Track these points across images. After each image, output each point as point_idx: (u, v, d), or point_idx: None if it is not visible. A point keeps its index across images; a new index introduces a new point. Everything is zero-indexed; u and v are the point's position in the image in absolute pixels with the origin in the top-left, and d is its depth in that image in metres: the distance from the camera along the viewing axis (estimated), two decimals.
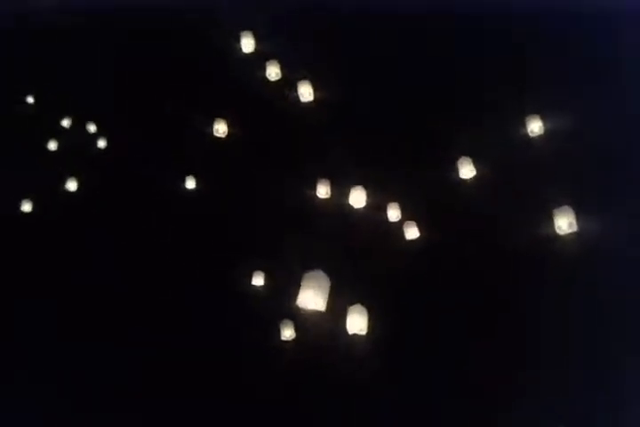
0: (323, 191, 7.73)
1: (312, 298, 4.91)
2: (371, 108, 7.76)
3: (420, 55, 7.76)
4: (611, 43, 7.02)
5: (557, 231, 7.02)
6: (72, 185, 8.13)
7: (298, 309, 5.27)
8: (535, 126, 7.62)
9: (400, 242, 7.49)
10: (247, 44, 6.95)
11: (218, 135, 7.37)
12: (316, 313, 5.09)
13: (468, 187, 7.69)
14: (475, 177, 7.68)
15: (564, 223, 6.98)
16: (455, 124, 7.77)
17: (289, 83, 7.25)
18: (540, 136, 7.59)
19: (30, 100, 8.65)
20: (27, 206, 8.14)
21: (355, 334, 6.38)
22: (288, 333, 7.28)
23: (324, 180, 7.67)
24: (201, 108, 7.45)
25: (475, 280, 7.36)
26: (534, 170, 7.47)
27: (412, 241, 7.54)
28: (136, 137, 8.23)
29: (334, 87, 7.58)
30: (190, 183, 8.31)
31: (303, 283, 4.92)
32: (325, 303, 4.95)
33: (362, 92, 7.77)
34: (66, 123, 8.67)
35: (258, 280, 7.65)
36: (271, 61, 7.06)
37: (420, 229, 7.53)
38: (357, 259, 7.47)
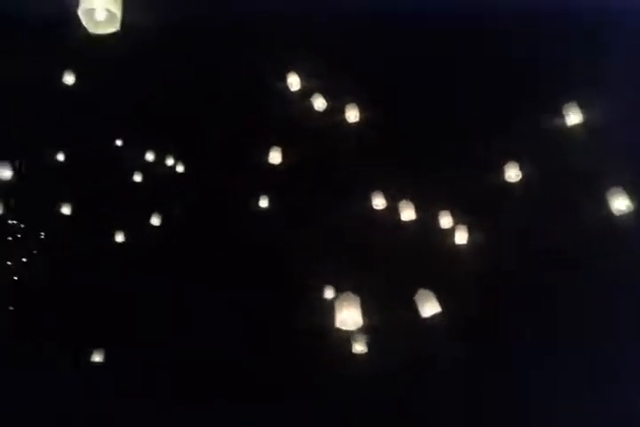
0: (379, 203, 8.28)
1: (349, 318, 5.52)
2: (412, 120, 8.21)
3: (450, 61, 8.10)
4: (612, 42, 7.12)
5: (616, 213, 7.07)
6: (156, 220, 9.09)
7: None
8: (574, 117, 7.76)
9: (452, 246, 7.96)
10: (293, 82, 7.61)
11: (273, 162, 8.10)
12: (357, 329, 5.66)
13: (516, 188, 8.00)
14: (522, 178, 7.99)
15: (621, 204, 7.03)
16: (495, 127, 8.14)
17: (335, 110, 7.83)
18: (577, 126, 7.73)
19: (119, 142, 9.62)
20: (119, 237, 9.17)
21: (433, 315, 6.61)
22: (359, 347, 7.61)
23: (377, 192, 8.22)
24: (258, 140, 8.23)
25: (534, 277, 7.74)
26: (580, 159, 7.69)
27: (463, 245, 8.01)
28: (207, 166, 9.13)
29: (377, 107, 8.06)
30: (263, 202, 9.14)
31: (337, 306, 5.52)
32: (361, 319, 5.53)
33: (402, 106, 8.22)
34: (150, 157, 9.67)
35: (329, 293, 8.29)
36: (316, 94, 7.69)
37: (471, 233, 7.98)
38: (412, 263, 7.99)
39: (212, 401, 7.83)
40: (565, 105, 7.62)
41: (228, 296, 8.39)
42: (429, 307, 6.61)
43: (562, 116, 7.65)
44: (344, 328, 5.52)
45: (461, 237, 8.03)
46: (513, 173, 7.96)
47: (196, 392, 7.95)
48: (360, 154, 8.23)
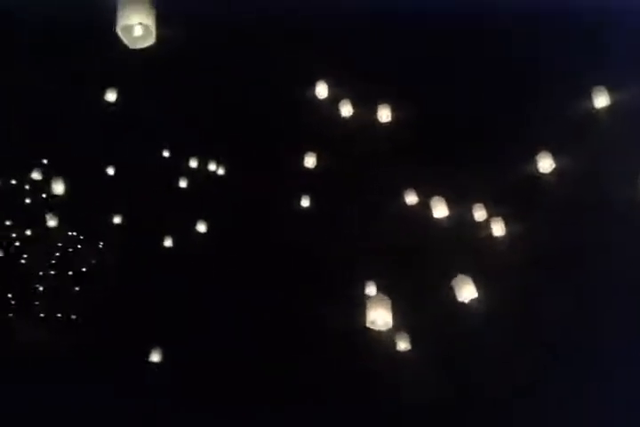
0: (412, 200, 8.42)
1: (379, 318, 5.75)
2: (440, 116, 8.33)
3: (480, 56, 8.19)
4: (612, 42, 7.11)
5: None
6: (202, 227, 9.46)
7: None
8: (602, 100, 7.69)
9: (488, 238, 8.06)
10: (322, 90, 7.86)
11: (308, 166, 8.41)
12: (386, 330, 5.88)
13: (551, 177, 8.02)
14: (556, 168, 7.99)
15: None
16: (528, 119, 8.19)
17: (363, 113, 8.06)
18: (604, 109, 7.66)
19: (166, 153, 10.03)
20: (168, 242, 9.57)
21: (471, 300, 6.70)
22: (403, 345, 7.73)
23: (410, 190, 8.38)
24: (293, 146, 8.57)
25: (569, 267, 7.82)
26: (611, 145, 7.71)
27: (499, 237, 8.08)
28: (248, 170, 9.51)
29: (404, 106, 8.22)
30: (305, 202, 9.47)
31: (368, 306, 5.77)
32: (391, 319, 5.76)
33: (430, 103, 8.34)
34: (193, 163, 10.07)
35: (371, 290, 8.45)
36: (344, 100, 7.93)
37: (507, 226, 8.05)
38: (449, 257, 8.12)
39: (255, 401, 8.23)
40: (594, 89, 7.63)
41: (269, 296, 8.77)
42: (467, 291, 6.72)
43: (590, 103, 7.68)
44: (374, 328, 5.77)
45: (498, 229, 8.11)
46: (546, 164, 8.00)
47: (237, 392, 8.36)
48: (390, 153, 8.42)
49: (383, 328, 5.76)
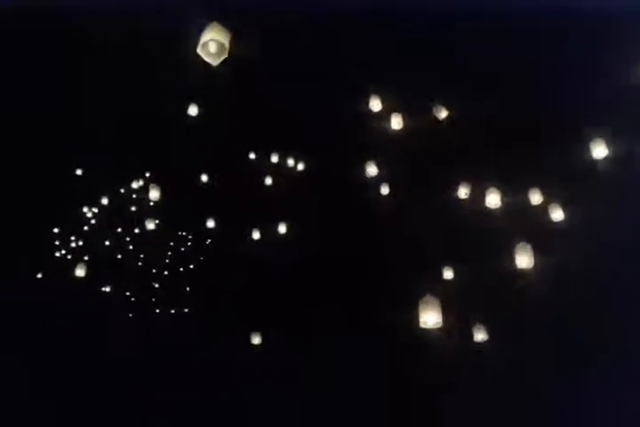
0: (463, 192, 8.91)
1: (430, 319, 6.52)
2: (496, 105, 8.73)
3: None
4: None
5: None
6: (282, 228, 10.36)
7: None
8: None
9: (546, 224, 8.52)
10: (376, 103, 8.45)
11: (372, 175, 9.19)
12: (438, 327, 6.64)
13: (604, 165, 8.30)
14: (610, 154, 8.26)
15: None
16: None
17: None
18: None
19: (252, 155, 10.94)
20: (256, 234, 10.44)
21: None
22: (480, 336, 8.33)
23: (463, 182, 8.92)
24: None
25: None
26: None
27: (557, 222, 8.52)
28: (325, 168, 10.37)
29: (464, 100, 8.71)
30: (384, 189, 10.19)
31: (421, 307, 6.55)
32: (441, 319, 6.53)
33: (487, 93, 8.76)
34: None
35: (448, 274, 8.93)
36: (395, 114, 8.48)
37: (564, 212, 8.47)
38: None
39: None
40: None
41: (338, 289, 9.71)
42: (525, 261, 7.40)
43: None
44: (427, 327, 6.55)
45: (556, 214, 8.54)
46: (600, 151, 8.26)
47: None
48: (451, 148, 8.98)
49: (434, 327, 6.55)
